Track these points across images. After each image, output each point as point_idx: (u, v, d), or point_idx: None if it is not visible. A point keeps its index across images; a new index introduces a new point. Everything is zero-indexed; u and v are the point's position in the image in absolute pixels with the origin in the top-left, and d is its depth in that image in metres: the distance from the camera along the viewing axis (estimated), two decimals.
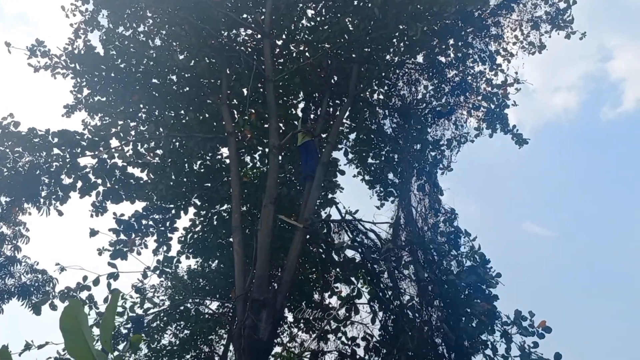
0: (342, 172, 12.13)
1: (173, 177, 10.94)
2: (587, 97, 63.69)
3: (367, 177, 12.82)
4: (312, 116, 11.29)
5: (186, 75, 11.13)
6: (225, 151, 11.57)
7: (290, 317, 12.66)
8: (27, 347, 7.86)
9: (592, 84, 62.15)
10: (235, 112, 11.26)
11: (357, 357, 8.40)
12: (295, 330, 12.73)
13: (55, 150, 9.52)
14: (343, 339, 9.19)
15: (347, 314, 8.61)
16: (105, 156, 9.87)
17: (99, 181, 10.07)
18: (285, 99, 12.00)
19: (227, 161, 11.22)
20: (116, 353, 1.71)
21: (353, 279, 8.48)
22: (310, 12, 11.65)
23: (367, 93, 12.37)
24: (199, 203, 11.74)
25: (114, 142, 9.90)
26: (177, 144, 11.21)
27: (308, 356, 9.27)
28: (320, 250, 9.13)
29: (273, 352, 11.05)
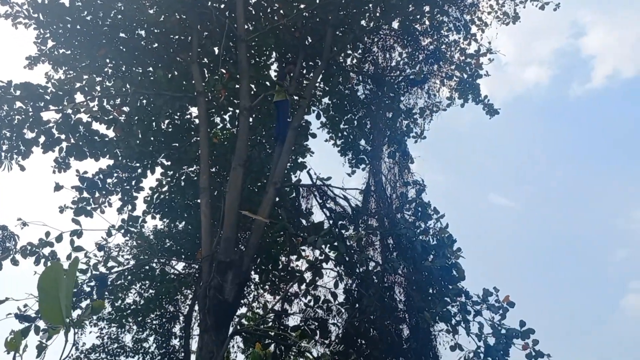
0: (314, 135, 12.05)
1: (140, 135, 10.70)
2: (558, 72, 64.60)
3: (338, 143, 12.77)
4: (290, 75, 10.88)
5: (155, 31, 10.77)
6: (194, 111, 11.36)
7: (257, 279, 12.74)
8: None
9: (564, 59, 63.01)
10: (206, 71, 11.00)
11: (320, 318, 8.53)
12: (262, 291, 12.83)
13: (18, 104, 9.18)
14: (307, 301, 9.28)
15: (313, 278, 8.68)
16: (70, 111, 9.58)
17: (63, 137, 9.80)
18: (257, 59, 11.76)
19: (196, 121, 11.01)
20: (77, 313, 1.71)
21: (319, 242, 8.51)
22: None
23: (341, 57, 12.23)
24: (166, 163, 11.54)
25: (79, 97, 9.60)
26: (145, 101, 10.92)
27: (272, 317, 9.36)
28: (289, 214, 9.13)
29: (238, 313, 11.13)
